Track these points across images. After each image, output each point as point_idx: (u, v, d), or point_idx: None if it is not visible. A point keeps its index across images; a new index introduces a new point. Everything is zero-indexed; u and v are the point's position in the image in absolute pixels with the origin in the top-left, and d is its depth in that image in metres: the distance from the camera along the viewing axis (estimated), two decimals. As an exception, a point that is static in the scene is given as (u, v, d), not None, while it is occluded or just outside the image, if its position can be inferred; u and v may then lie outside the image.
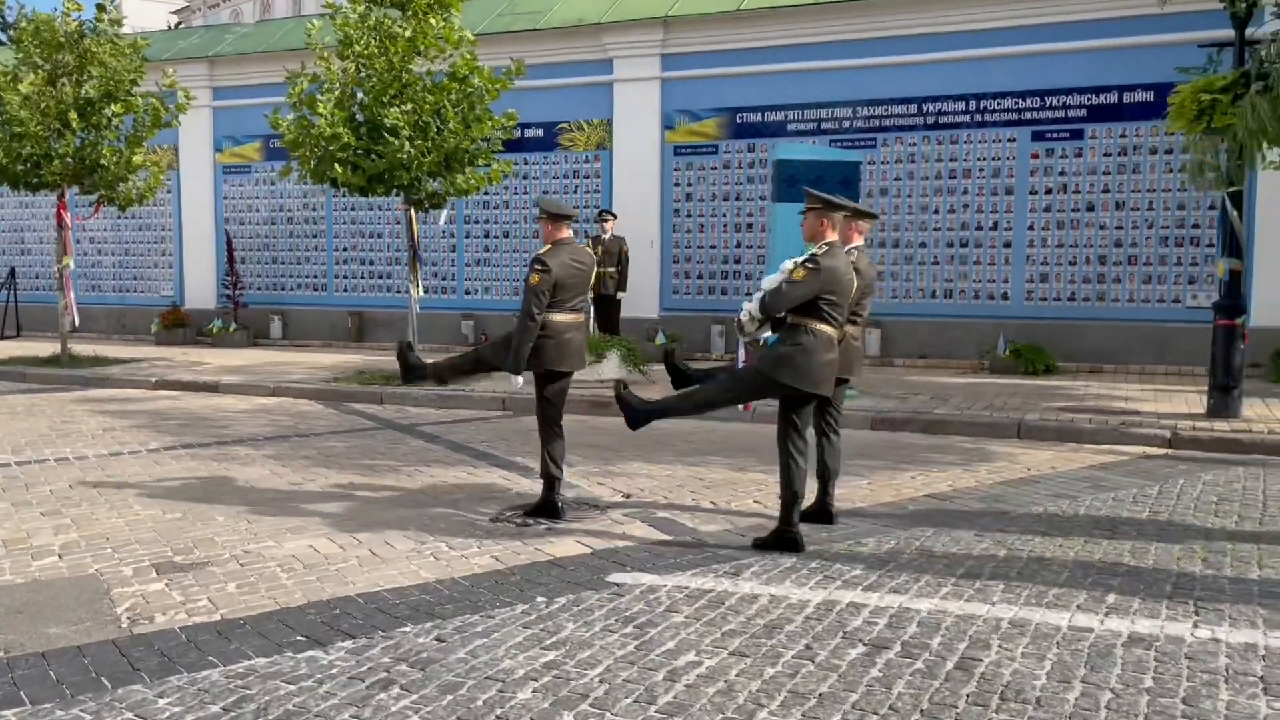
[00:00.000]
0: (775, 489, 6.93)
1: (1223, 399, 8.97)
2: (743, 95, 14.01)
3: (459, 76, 11.55)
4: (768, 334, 5.62)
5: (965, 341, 12.86)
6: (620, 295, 13.77)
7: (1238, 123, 7.41)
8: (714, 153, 14.25)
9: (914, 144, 13.14)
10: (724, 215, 14.22)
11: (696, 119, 14.31)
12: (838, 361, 5.53)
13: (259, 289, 17.46)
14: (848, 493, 6.83)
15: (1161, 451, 8.22)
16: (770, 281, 5.54)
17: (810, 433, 5.76)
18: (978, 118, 12.83)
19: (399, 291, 16.35)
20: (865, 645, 4.07)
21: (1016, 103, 12.63)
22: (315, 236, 17.13)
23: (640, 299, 14.18)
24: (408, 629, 4.35)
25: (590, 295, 13.96)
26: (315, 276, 17.18)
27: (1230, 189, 8.88)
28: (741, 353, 6.31)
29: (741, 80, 13.97)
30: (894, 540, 5.65)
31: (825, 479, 6.17)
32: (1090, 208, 12.39)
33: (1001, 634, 4.16)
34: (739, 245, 14.17)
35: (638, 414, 5.83)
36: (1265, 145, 7.57)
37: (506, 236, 15.78)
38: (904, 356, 13.06)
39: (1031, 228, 12.67)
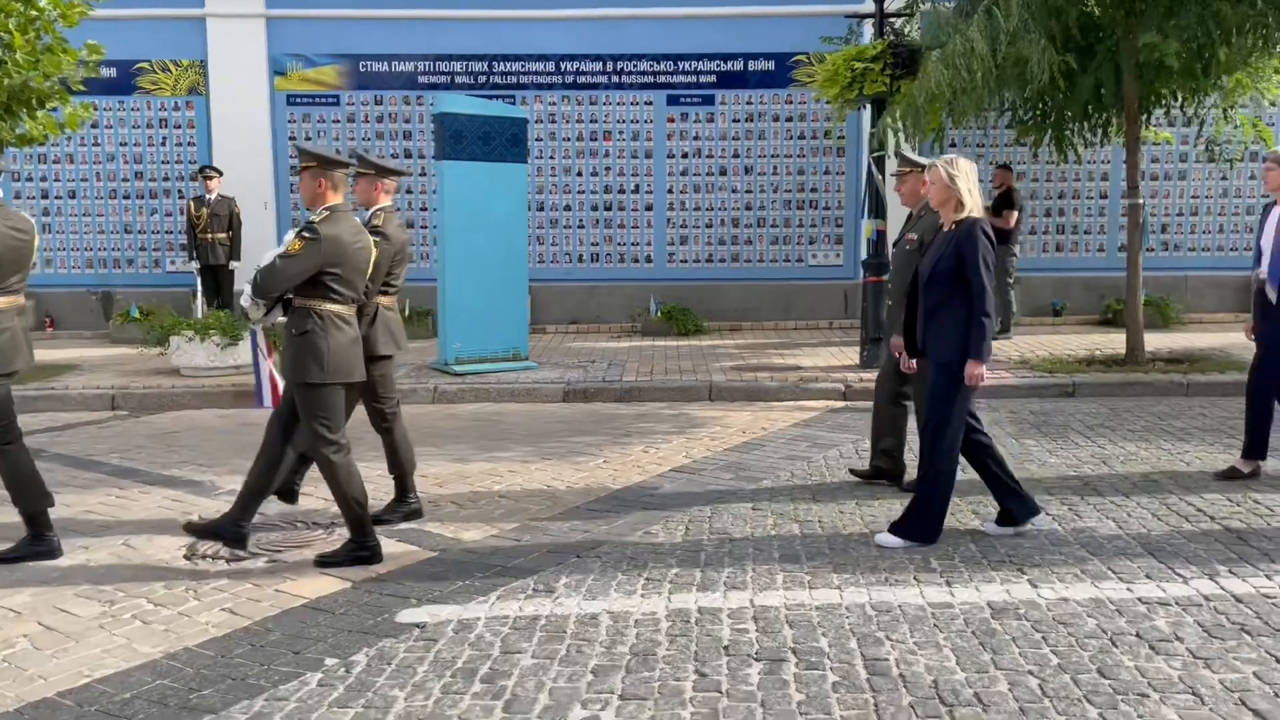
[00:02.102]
0: (518, 477, 6.25)
1: (875, 351, 9.59)
2: (365, 42, 12.70)
3: (20, -5, 9.16)
4: (280, 318, 4.81)
5: (613, 305, 12.79)
6: (234, 265, 12.00)
7: (915, 89, 7.82)
8: (335, 104, 12.81)
9: (554, 103, 12.73)
10: (350, 174, 12.85)
11: (312, 65, 12.75)
12: (360, 341, 4.85)
13: None
14: (590, 474, 6.31)
15: (842, 404, 8.61)
16: (271, 255, 4.75)
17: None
18: (616, 79, 12.71)
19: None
20: (758, 660, 3.57)
21: (652, 65, 12.66)
22: None
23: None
24: (172, 738, 3.14)
25: (197, 265, 12.10)
26: None
27: (875, 154, 9.48)
28: (260, 340, 5.36)
29: (363, 25, 12.65)
30: (681, 526, 5.20)
31: (401, 473, 5.51)
32: (723, 172, 12.80)
33: (878, 624, 3.87)
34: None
35: (224, 531, 4.92)
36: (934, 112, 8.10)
37: (73, 197, 13.11)
38: (554, 323, 12.71)
39: (671, 191, 12.83)
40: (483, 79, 12.70)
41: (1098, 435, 7.16)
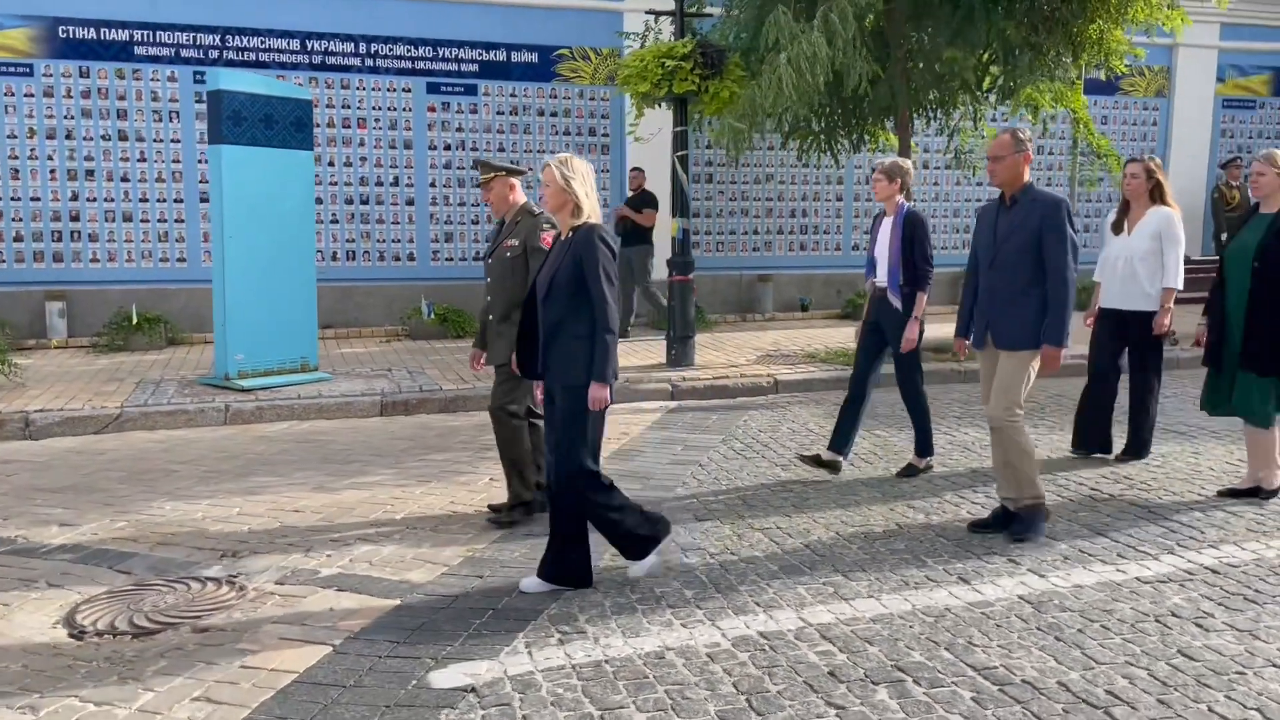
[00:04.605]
0: (409, 504, 5.55)
1: (683, 349, 9.63)
2: (64, 3, 10.79)
3: None
4: None
5: (373, 307, 11.87)
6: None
7: (757, 91, 7.86)
8: (28, 74, 10.79)
9: (299, 84, 11.54)
10: (51, 158, 10.91)
11: (-4, 26, 10.68)
12: None
13: None
14: (489, 495, 5.77)
15: (674, 404, 8.53)
16: None
17: None
18: (370, 62, 11.77)
19: None
20: (876, 684, 3.39)
21: (410, 50, 11.86)
22: None
23: (-67, 269, 10.26)
24: None
25: None
26: None
27: (680, 153, 9.49)
28: None
29: (62, -18, 10.78)
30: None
31: None
32: (488, 166, 12.27)
33: (948, 629, 3.82)
34: (76, 197, 11.02)
35: None
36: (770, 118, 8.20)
37: None
38: (309, 327, 11.55)
39: (434, 185, 12.11)
40: (214, 54, 11.28)
41: (938, 423, 7.56)
